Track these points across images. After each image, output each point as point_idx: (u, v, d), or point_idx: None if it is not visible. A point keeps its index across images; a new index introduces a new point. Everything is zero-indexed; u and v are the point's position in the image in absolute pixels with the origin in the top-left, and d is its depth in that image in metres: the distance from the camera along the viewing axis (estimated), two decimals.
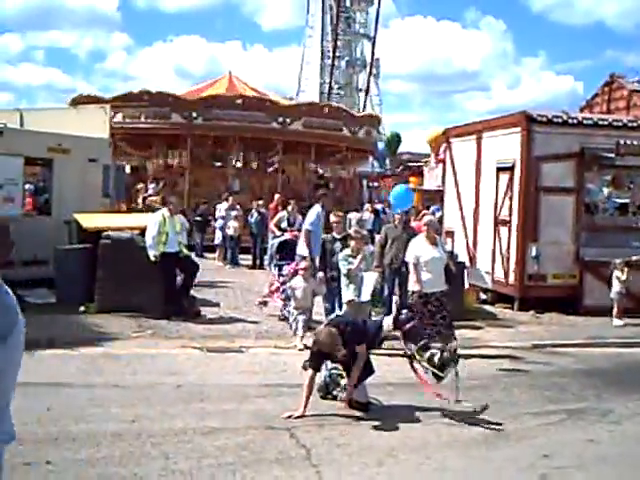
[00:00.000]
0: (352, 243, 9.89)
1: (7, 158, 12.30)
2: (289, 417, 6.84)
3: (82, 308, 11.50)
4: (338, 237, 10.84)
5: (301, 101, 28.72)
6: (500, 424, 7.01)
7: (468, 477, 5.69)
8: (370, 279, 9.70)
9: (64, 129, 13.92)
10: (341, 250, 10.16)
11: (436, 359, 7.24)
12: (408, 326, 7.40)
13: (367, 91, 64.15)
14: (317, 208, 11.56)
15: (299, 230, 15.54)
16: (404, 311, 7.77)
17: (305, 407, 6.97)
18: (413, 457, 6.10)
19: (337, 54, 65.50)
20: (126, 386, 7.85)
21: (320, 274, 10.66)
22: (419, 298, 9.33)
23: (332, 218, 11.12)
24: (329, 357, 7.25)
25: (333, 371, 7.53)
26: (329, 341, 7.06)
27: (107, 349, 9.56)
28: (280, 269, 12.81)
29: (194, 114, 25.14)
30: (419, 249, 9.52)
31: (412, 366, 7.44)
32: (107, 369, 8.57)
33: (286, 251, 12.98)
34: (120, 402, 7.22)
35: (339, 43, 65.72)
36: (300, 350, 9.55)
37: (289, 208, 16.76)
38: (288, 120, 26.13)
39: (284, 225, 16.00)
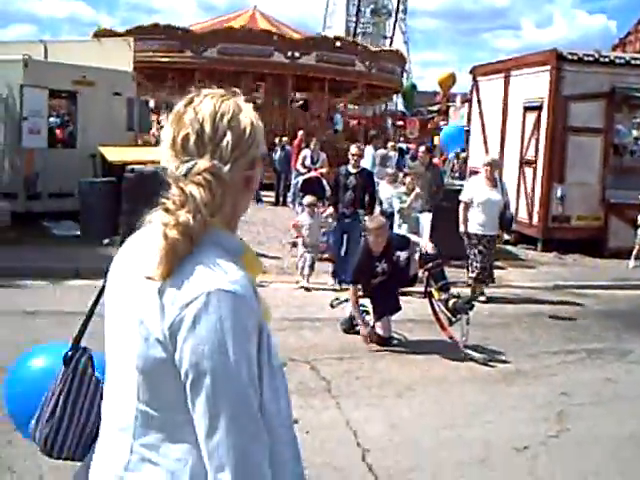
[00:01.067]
0: (407, 179, 10.00)
1: (32, 90, 12.28)
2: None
3: (106, 241, 11.61)
4: (353, 171, 10.16)
5: (312, 35, 27.74)
6: (519, 362, 7.08)
7: (486, 411, 5.76)
8: (427, 220, 9.45)
9: (88, 62, 13.83)
10: (354, 186, 9.85)
11: (450, 303, 7.29)
12: (432, 264, 7.43)
13: (392, 38, 62.70)
14: (370, 150, 11.64)
15: (322, 167, 15.52)
16: (430, 247, 7.76)
17: (365, 325, 7.25)
18: (431, 391, 6.19)
19: None
20: None
21: (330, 209, 10.39)
22: (468, 238, 9.26)
23: (352, 150, 10.34)
24: (368, 274, 7.29)
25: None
26: (379, 230, 7.21)
27: None
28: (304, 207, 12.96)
29: (201, 48, 24.81)
30: (475, 189, 9.27)
31: (431, 305, 7.48)
32: None
33: (310, 189, 13.03)
34: None
35: None
36: (306, 290, 9.64)
37: (311, 146, 16.61)
38: (297, 54, 25.61)
39: (307, 163, 15.89)
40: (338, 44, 27.12)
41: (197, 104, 1.61)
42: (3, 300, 8.22)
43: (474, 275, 9.27)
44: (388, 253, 7.33)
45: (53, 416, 1.96)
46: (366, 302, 7.64)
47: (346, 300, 7.87)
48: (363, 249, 7.46)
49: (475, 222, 9.22)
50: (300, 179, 14.28)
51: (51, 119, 14.52)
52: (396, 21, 63.41)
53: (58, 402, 1.95)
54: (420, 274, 7.69)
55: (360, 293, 7.47)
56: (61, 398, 1.94)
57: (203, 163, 1.55)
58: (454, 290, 7.71)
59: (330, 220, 10.42)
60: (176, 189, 1.55)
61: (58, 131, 15.28)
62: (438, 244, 8.97)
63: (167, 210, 1.55)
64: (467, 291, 8.88)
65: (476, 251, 9.21)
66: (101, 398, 1.77)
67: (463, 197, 9.41)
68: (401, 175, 14.08)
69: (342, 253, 10.12)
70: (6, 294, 8.54)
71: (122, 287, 1.64)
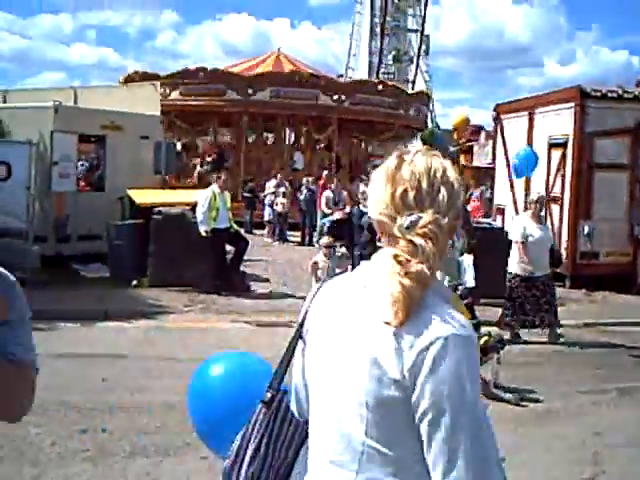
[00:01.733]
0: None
1: (62, 135, 12.53)
2: None
3: (135, 282, 11.72)
4: (366, 211, 9.88)
5: (356, 78, 28.32)
6: (550, 402, 6.99)
7: (518, 453, 5.65)
8: (469, 261, 9.16)
9: (116, 107, 14.11)
10: (369, 225, 9.20)
11: (481, 342, 7.22)
12: (466, 301, 7.37)
13: (414, 81, 63.03)
14: None
15: (344, 207, 15.58)
16: (461, 287, 7.69)
17: None
18: None
19: (384, 39, 64.38)
20: (178, 359, 7.98)
21: (342, 249, 10.13)
22: (521, 282, 8.97)
23: (362, 187, 10.38)
24: None
25: None
26: None
27: (159, 322, 9.76)
28: (334, 250, 13.01)
29: (249, 91, 25.18)
30: (527, 227, 8.98)
31: None
32: (159, 342, 8.75)
33: (340, 230, 13.11)
34: (172, 374, 7.34)
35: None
36: None
37: (332, 186, 16.62)
38: (343, 97, 26.01)
39: (330, 204, 15.89)
40: (380, 87, 27.59)
41: (410, 161, 1.73)
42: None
43: (516, 319, 9.07)
44: None
45: (256, 455, 2.05)
46: None
47: None
48: None
49: (525, 263, 8.88)
50: (326, 221, 14.29)
51: (79, 163, 14.78)
52: (417, 65, 63.86)
53: (261, 443, 2.03)
54: None
55: None
56: (264, 440, 2.03)
57: (428, 217, 1.66)
58: (484, 329, 7.64)
59: (345, 260, 9.96)
60: (404, 241, 1.65)
61: (87, 175, 15.55)
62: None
63: (399, 261, 1.63)
64: (496, 330, 8.80)
65: (528, 294, 8.98)
66: (299, 438, 1.94)
67: (517, 237, 9.08)
68: None
69: None
70: (37, 336, 8.56)
71: (340, 329, 1.72)
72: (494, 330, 7.61)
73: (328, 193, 16.44)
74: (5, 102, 15.42)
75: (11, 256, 10.51)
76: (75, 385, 6.79)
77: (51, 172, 12.51)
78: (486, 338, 7.16)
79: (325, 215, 15.53)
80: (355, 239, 10.23)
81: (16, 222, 11.37)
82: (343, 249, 10.22)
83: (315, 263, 9.49)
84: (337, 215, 14.22)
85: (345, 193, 16.43)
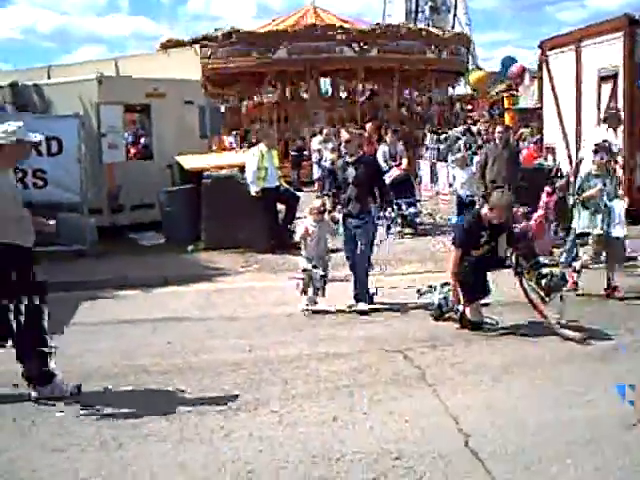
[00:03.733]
0: (596, 158, 8.33)
1: (108, 106, 12.64)
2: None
3: (190, 247, 11.86)
4: (350, 161, 8.40)
5: (378, 25, 27.56)
6: (617, 337, 6.90)
7: (588, 390, 5.63)
8: (620, 208, 8.28)
9: (158, 74, 14.14)
10: (356, 178, 8.22)
11: (544, 282, 7.13)
12: (522, 243, 7.29)
13: (453, 26, 61.55)
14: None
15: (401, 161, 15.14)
16: (519, 226, 7.59)
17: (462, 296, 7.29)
18: (528, 373, 6.09)
19: None
20: (240, 318, 8.11)
21: (335, 214, 8.72)
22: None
23: (343, 135, 8.73)
24: (473, 242, 7.26)
25: (448, 293, 7.51)
26: (502, 205, 7.10)
27: (218, 284, 9.87)
28: (400, 208, 12.92)
29: (268, 50, 24.94)
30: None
31: (522, 285, 7.35)
32: (220, 303, 8.86)
33: (401, 189, 13.08)
34: (235, 333, 7.48)
35: None
36: (305, 312, 8.13)
37: (387, 139, 16.05)
38: (366, 46, 25.52)
39: (387, 159, 15.37)
40: (404, 31, 26.90)
41: None
42: (100, 311, 8.50)
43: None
44: (499, 229, 7.26)
45: None
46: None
47: (434, 287, 7.82)
48: (474, 216, 7.51)
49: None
50: (385, 178, 13.96)
51: (125, 135, 14.91)
52: (456, 10, 62.45)
53: None
54: (509, 254, 7.47)
55: (450, 281, 7.42)
56: None
57: None
58: (546, 269, 7.51)
59: (333, 225, 8.67)
60: None
61: (134, 144, 15.69)
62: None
63: None
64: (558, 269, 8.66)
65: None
66: None
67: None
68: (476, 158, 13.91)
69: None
70: (102, 305, 8.82)
71: None
72: (556, 270, 7.49)
73: (384, 147, 15.82)
74: (49, 78, 15.56)
75: (69, 230, 10.75)
76: (142, 349, 6.94)
77: (100, 144, 12.66)
78: (548, 278, 7.08)
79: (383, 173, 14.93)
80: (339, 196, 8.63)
81: (71, 196, 11.56)
82: (336, 213, 8.75)
83: (306, 230, 8.36)
84: (395, 172, 13.86)
85: (402, 146, 15.94)
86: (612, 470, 4.32)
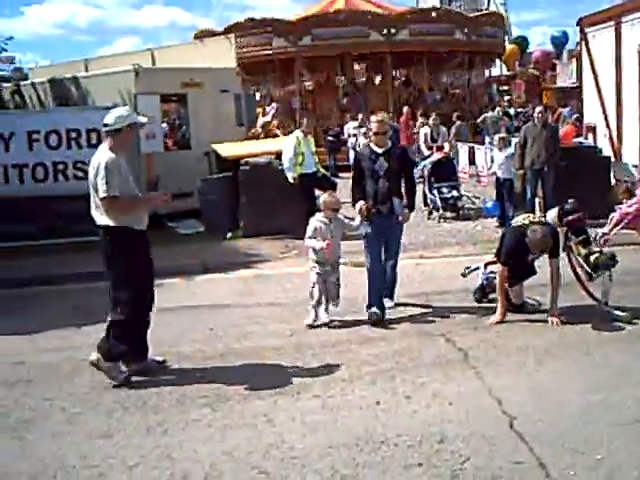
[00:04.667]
0: None
1: (145, 97, 12.72)
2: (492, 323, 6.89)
3: (229, 234, 11.94)
4: (380, 151, 7.33)
5: (406, 8, 27.13)
6: None
7: (633, 371, 5.55)
8: None
9: (193, 64, 14.20)
10: (388, 171, 7.22)
11: (592, 258, 7.00)
12: (572, 217, 7.15)
13: (488, 4, 60.58)
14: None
15: (443, 147, 15.00)
16: (570, 201, 7.41)
17: (503, 308, 6.98)
18: (573, 354, 6.02)
19: None
20: (280, 303, 8.14)
21: (359, 204, 7.28)
22: None
23: (373, 122, 7.48)
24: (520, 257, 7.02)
25: (490, 275, 7.44)
26: (540, 245, 6.74)
27: (257, 271, 9.92)
28: (440, 192, 12.96)
29: (296, 37, 24.89)
30: None
31: (569, 260, 7.24)
32: (260, 289, 8.90)
33: (442, 173, 13.12)
34: (276, 319, 7.51)
35: None
36: (310, 327, 7.13)
37: (430, 122, 15.91)
38: (393, 30, 25.26)
39: (429, 142, 15.22)
40: (434, 15, 26.56)
41: None
42: None
43: None
44: None
45: None
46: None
47: (477, 268, 7.74)
48: (517, 238, 6.94)
49: None
50: (427, 163, 13.82)
51: (163, 125, 15.01)
52: None
53: None
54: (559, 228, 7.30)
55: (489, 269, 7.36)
56: None
57: None
58: (596, 247, 7.38)
59: (357, 223, 7.42)
60: None
61: (170, 134, 15.79)
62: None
63: None
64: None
65: None
66: None
67: None
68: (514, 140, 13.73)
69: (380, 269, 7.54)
70: None
71: None
72: (606, 249, 7.35)
73: (426, 129, 15.61)
74: (87, 71, 15.73)
75: None
76: (184, 336, 7.01)
77: (138, 134, 12.74)
78: (597, 255, 6.96)
79: (424, 158, 14.72)
80: (367, 191, 7.37)
81: None
82: (360, 202, 7.32)
83: (315, 230, 7.28)
84: (437, 155, 13.77)
85: (444, 129, 15.80)
86: None
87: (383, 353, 6.26)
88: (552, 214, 7.31)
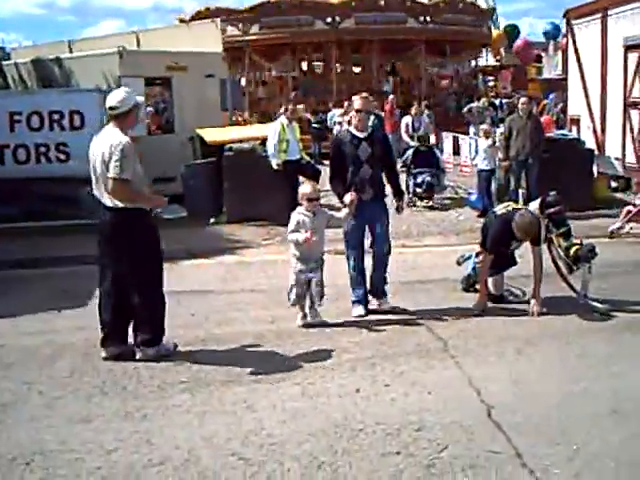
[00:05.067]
0: None
1: (129, 80, 12.58)
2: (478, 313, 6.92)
3: (212, 220, 11.90)
4: (361, 136, 6.92)
5: None
6: None
7: (612, 363, 5.60)
8: None
9: (178, 47, 14.08)
10: (372, 157, 6.86)
11: (572, 250, 7.04)
12: (553, 210, 7.17)
13: None
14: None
15: (426, 134, 14.94)
16: (552, 193, 7.43)
17: (484, 297, 7.06)
18: (552, 345, 6.07)
19: None
20: (262, 290, 8.13)
21: (348, 195, 6.70)
22: None
23: (355, 102, 7.08)
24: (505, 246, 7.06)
25: (478, 265, 7.45)
26: (526, 229, 6.76)
27: (240, 257, 9.91)
28: (415, 177, 13.10)
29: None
30: None
31: (550, 251, 7.27)
32: (242, 275, 8.89)
33: (424, 161, 13.18)
34: (258, 305, 7.51)
35: None
36: (300, 326, 6.77)
37: (412, 111, 15.83)
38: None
39: (410, 131, 15.01)
40: (408, 4, 26.49)
41: None
42: None
43: None
44: None
45: None
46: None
47: (470, 257, 7.75)
48: (504, 226, 6.96)
49: None
50: (409, 151, 13.83)
51: (147, 108, 14.88)
52: None
53: None
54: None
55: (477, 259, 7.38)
56: None
57: None
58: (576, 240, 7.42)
59: (342, 215, 6.88)
60: None
61: (154, 118, 15.65)
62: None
63: None
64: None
65: None
66: None
67: None
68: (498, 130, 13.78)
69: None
70: None
71: None
72: (587, 240, 7.38)
73: (408, 119, 15.51)
74: (71, 52, 15.57)
75: (92, 204, 10.77)
76: (168, 321, 6.97)
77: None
78: (577, 247, 7.00)
79: (408, 147, 14.48)
80: (349, 179, 6.93)
81: None
82: (349, 195, 6.75)
83: (298, 223, 6.72)
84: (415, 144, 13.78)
85: (427, 119, 15.72)
86: (637, 442, 4.30)
87: (363, 341, 6.27)
88: (534, 205, 7.34)
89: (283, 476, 4.04)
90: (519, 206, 7.30)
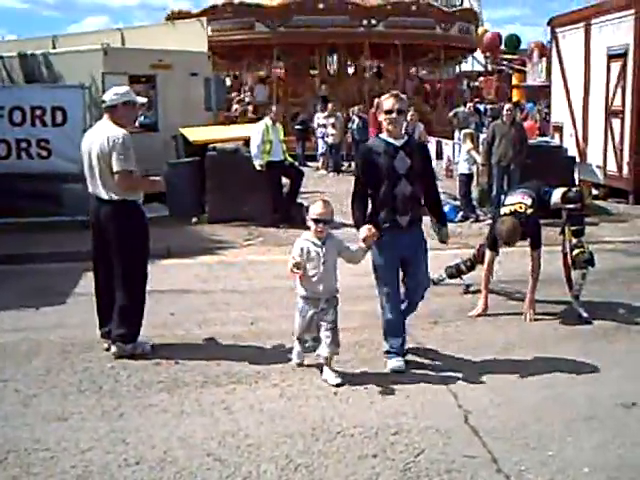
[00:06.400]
0: None
1: (113, 77, 12.54)
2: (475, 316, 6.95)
3: (194, 219, 11.87)
4: (399, 144, 5.51)
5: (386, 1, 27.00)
6: (619, 317, 6.92)
7: (588, 369, 5.64)
8: None
9: (163, 45, 14.05)
10: (412, 170, 5.45)
11: (575, 252, 7.11)
12: (573, 206, 7.19)
13: (462, 3, 60.68)
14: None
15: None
16: (574, 189, 7.44)
17: (485, 299, 7.08)
18: (531, 350, 6.09)
19: None
20: (243, 291, 8.12)
21: (365, 229, 5.37)
22: None
23: (386, 103, 5.52)
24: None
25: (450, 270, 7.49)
26: (509, 236, 6.75)
27: (221, 257, 9.88)
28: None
29: (277, 23, 24.77)
30: None
31: (563, 239, 7.36)
32: (223, 276, 8.87)
33: None
34: (238, 306, 7.50)
35: None
36: (298, 366, 5.72)
37: (408, 117, 15.57)
38: (373, 21, 25.28)
39: None
40: (413, 8, 26.54)
41: None
42: None
43: None
44: None
45: None
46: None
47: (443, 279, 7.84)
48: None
49: None
50: None
51: None
52: None
53: None
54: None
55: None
56: None
57: None
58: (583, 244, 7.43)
59: (356, 249, 5.54)
60: None
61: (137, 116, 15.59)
62: None
63: None
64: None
65: None
66: None
67: None
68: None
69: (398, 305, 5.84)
70: None
71: None
72: (591, 247, 7.44)
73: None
74: (54, 48, 15.48)
75: (74, 201, 10.73)
76: (145, 320, 6.92)
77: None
78: (580, 251, 7.06)
79: None
80: (380, 199, 5.58)
81: (75, 167, 11.49)
82: (365, 229, 5.39)
83: (301, 253, 5.33)
84: None
85: (422, 126, 15.53)
86: (611, 448, 4.34)
87: (343, 344, 6.19)
88: (557, 195, 7.30)
89: (259, 478, 4.04)
90: (523, 209, 7.01)
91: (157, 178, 6.57)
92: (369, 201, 5.63)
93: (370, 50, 26.21)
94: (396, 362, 5.63)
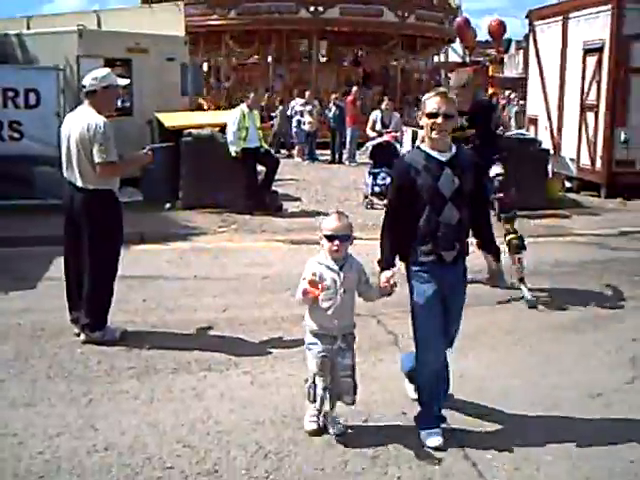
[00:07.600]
0: None
1: (88, 60, 12.39)
2: None
3: (168, 205, 11.80)
4: (444, 159, 4.23)
5: None
6: (589, 309, 7.01)
7: (557, 359, 5.72)
8: None
9: (140, 29, 13.89)
10: (460, 191, 4.22)
11: (508, 237, 7.39)
12: (501, 195, 7.33)
13: None
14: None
15: (396, 131, 14.61)
16: (500, 178, 7.53)
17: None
18: (502, 341, 6.17)
19: None
20: (215, 278, 8.10)
21: (385, 274, 4.32)
22: None
23: (430, 103, 4.20)
24: None
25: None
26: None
27: (195, 243, 9.85)
28: (375, 177, 12.61)
29: (232, 9, 25.02)
30: None
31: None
32: (196, 262, 8.84)
33: (382, 157, 12.52)
34: (211, 293, 7.48)
35: None
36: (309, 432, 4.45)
37: (383, 106, 15.39)
38: (321, 8, 25.44)
39: (378, 127, 14.47)
40: None
41: None
42: None
43: None
44: None
45: None
46: None
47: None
48: None
49: None
50: (370, 145, 13.48)
51: None
52: None
53: None
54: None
55: None
56: None
57: None
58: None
59: (375, 289, 4.46)
60: None
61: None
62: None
63: None
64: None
65: None
66: None
67: None
68: None
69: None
70: None
71: None
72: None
73: (377, 113, 14.83)
74: (29, 29, 15.26)
75: (46, 184, 10.63)
76: (116, 305, 6.85)
77: (79, 97, 12.44)
78: (513, 236, 7.38)
79: (371, 139, 14.00)
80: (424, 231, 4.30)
81: (48, 149, 11.38)
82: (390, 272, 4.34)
83: (312, 284, 4.17)
84: (385, 137, 13.44)
85: (398, 116, 15.33)
86: (575, 436, 4.38)
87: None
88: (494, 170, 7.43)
89: (229, 464, 4.05)
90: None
91: (139, 152, 6.46)
92: (403, 231, 4.37)
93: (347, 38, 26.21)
94: (437, 439, 4.30)
